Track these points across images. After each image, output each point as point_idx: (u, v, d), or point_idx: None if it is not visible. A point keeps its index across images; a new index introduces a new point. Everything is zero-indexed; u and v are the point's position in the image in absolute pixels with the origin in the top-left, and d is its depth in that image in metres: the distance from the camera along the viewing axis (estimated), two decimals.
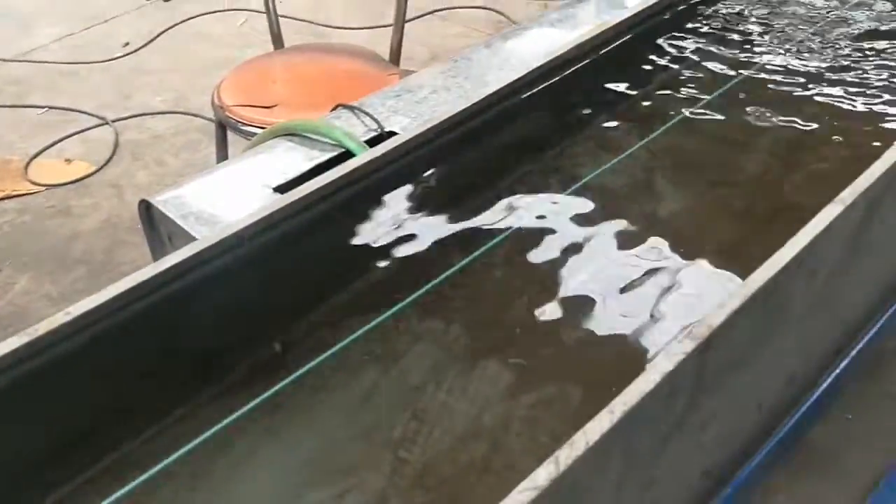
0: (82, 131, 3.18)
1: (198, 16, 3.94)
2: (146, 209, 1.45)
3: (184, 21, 3.91)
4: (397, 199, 1.16)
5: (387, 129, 1.54)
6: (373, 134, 1.53)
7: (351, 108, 1.64)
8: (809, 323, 0.94)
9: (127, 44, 3.78)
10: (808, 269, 0.82)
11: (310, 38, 3.62)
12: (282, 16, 3.75)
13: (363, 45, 2.64)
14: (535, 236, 1.14)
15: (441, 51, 3.55)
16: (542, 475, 0.56)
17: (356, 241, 1.11)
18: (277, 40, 2.50)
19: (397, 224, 1.16)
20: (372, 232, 1.13)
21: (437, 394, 0.86)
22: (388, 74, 2.25)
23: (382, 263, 1.09)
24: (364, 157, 1.13)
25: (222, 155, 2.27)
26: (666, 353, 0.65)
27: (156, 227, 1.45)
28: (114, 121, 3.22)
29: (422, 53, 3.53)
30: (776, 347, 0.87)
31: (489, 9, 3.97)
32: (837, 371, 1.00)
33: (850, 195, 0.83)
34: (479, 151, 1.25)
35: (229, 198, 1.41)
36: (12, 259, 2.59)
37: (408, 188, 1.18)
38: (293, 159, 1.50)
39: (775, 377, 0.92)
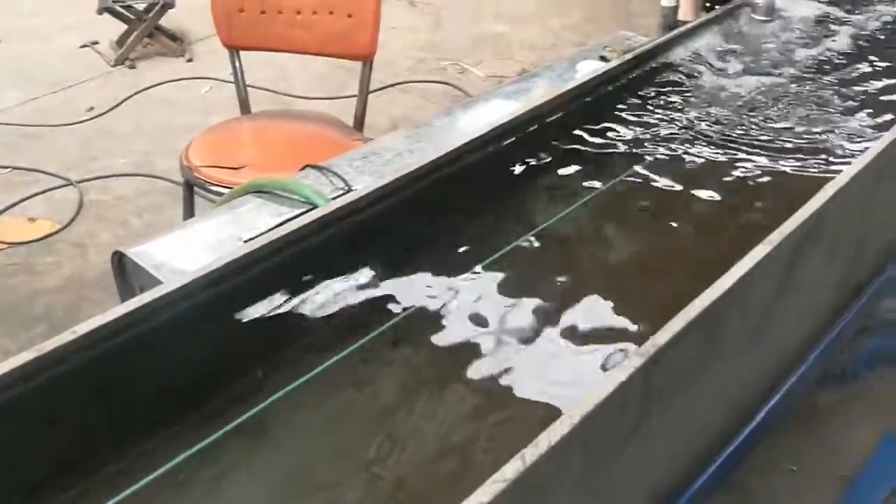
0: (46, 191, 3.22)
1: (162, 83, 4.03)
2: (119, 260, 1.49)
3: (149, 88, 4.00)
4: (361, 247, 1.23)
5: (354, 188, 1.61)
6: (340, 192, 1.60)
7: (319, 168, 1.71)
8: (746, 353, 1.02)
9: (92, 108, 3.84)
10: (742, 300, 0.91)
11: (274, 107, 3.71)
12: (249, 85, 3.87)
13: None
14: None
15: (401, 121, 3.67)
16: (510, 470, 0.63)
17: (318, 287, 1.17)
18: (244, 105, 2.59)
19: (361, 272, 1.22)
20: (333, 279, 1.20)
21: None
22: (352, 140, 2.34)
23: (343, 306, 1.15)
24: (323, 209, 1.19)
25: (189, 214, 2.33)
26: (619, 367, 0.72)
27: (128, 278, 1.49)
28: (78, 182, 3.26)
29: (383, 123, 3.64)
30: (716, 374, 0.95)
31: (447, 83, 4.12)
32: (773, 402, 1.08)
33: (777, 237, 0.92)
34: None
35: (202, 249, 1.46)
36: None
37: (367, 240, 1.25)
38: (263, 215, 1.56)
39: (717, 403, 1.00)
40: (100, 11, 4.20)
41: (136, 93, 3.95)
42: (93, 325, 0.86)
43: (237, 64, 2.54)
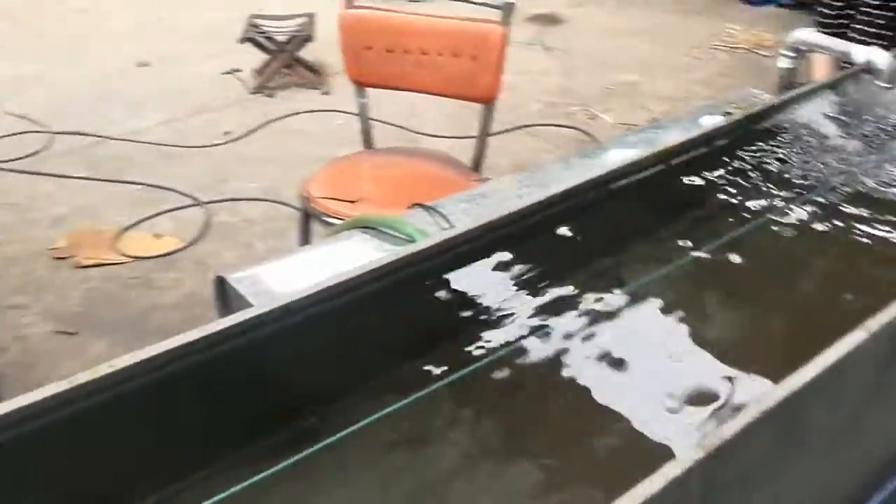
0: (175, 210, 3.34)
1: (297, 113, 4.14)
2: (220, 285, 1.51)
3: (284, 117, 4.12)
4: (448, 284, 1.19)
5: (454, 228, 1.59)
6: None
7: (426, 208, 1.70)
8: (838, 450, 0.92)
9: (228, 133, 3.98)
10: (830, 395, 0.81)
11: (402, 143, 3.76)
12: (377, 120, 3.94)
13: (449, 153, 2.75)
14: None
15: (525, 164, 3.65)
16: None
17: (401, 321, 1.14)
18: (368, 140, 2.62)
19: (448, 307, 1.19)
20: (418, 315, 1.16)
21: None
22: (468, 180, 2.32)
23: (425, 345, 1.12)
24: (417, 245, 1.18)
25: (304, 242, 2.36)
26: (674, 461, 0.65)
27: (228, 303, 1.51)
28: (206, 203, 3.37)
29: (507, 165, 3.63)
30: (797, 471, 0.86)
31: (575, 128, 4.07)
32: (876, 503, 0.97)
33: (875, 324, 0.83)
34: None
35: (301, 280, 1.46)
36: (91, 324, 2.71)
37: (459, 274, 1.22)
38: (365, 250, 1.55)
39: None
40: (242, 40, 4.37)
41: (272, 121, 4.07)
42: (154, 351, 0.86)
43: (363, 100, 2.57)
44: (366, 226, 1.66)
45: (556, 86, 4.55)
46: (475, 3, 2.40)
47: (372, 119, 3.96)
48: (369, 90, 2.60)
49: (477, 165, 2.49)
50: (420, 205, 1.72)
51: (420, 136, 3.89)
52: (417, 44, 2.42)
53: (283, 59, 4.37)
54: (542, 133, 4.05)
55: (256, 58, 4.52)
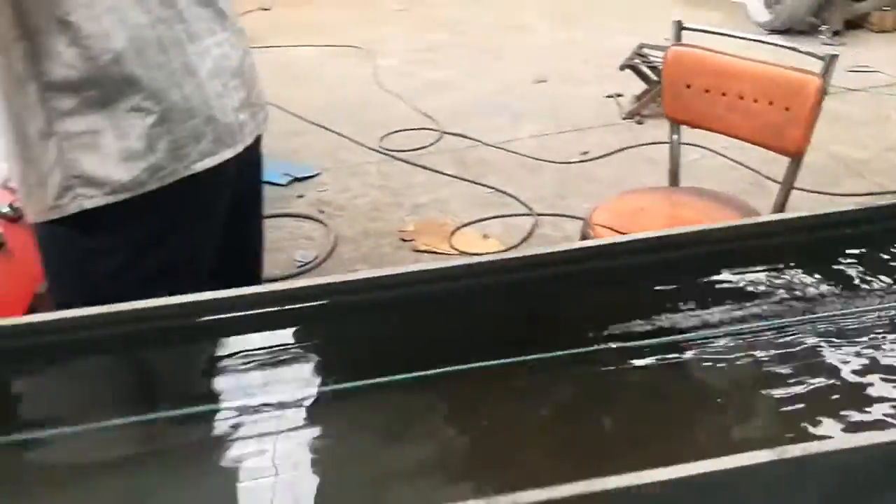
0: (509, 216, 3.59)
1: (656, 143, 4.17)
2: None
3: (643, 144, 4.18)
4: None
5: None
6: None
7: None
8: None
9: (586, 152, 4.15)
10: None
11: (751, 187, 3.64)
12: (733, 160, 3.85)
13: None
14: None
15: None
16: None
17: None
18: (673, 176, 2.62)
19: None
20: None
21: None
22: None
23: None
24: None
25: None
26: None
27: None
28: (538, 214, 3.57)
29: None
30: None
31: None
32: None
33: None
34: None
35: None
36: None
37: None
38: None
39: None
40: (622, 67, 4.50)
41: (629, 147, 4.16)
42: None
43: (675, 137, 2.58)
44: None
45: None
46: (800, 52, 2.30)
47: (728, 158, 3.91)
48: None
49: None
50: None
51: (771, 183, 3.71)
52: (736, 87, 2.37)
53: (659, 90, 4.41)
54: None
55: (642, 86, 4.62)
